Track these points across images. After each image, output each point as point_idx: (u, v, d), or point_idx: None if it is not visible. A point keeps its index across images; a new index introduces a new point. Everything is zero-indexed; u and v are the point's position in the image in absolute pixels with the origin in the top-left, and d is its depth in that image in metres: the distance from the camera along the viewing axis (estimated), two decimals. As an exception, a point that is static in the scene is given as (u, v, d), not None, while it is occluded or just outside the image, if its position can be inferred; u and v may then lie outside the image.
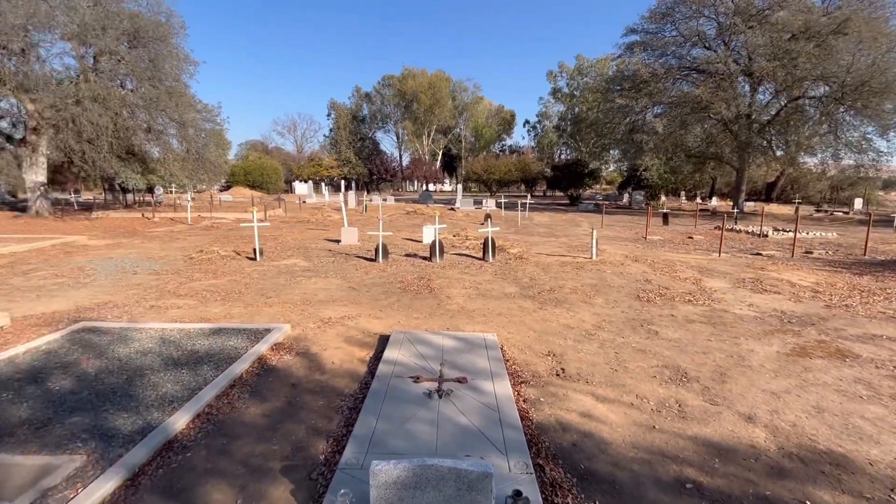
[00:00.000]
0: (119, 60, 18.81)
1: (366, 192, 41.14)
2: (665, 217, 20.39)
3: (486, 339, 5.03)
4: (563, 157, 61.90)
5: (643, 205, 34.21)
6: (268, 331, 5.22)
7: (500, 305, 6.80)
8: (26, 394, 3.74)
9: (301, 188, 47.91)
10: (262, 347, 4.74)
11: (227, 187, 46.89)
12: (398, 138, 71.87)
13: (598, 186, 54.42)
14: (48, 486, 2.63)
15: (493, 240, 10.57)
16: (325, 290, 7.67)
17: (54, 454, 2.93)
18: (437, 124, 66.54)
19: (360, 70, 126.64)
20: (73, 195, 30.32)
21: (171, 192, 31.96)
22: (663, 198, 37.71)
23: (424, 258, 10.57)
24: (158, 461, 2.95)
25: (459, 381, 3.90)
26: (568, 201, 39.77)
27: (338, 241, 13.32)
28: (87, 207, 24.76)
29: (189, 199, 21.42)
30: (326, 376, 4.30)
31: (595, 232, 10.97)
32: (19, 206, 22.50)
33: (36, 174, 19.25)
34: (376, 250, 10.25)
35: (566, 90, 59.27)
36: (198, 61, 21.85)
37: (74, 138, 17.79)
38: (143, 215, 21.12)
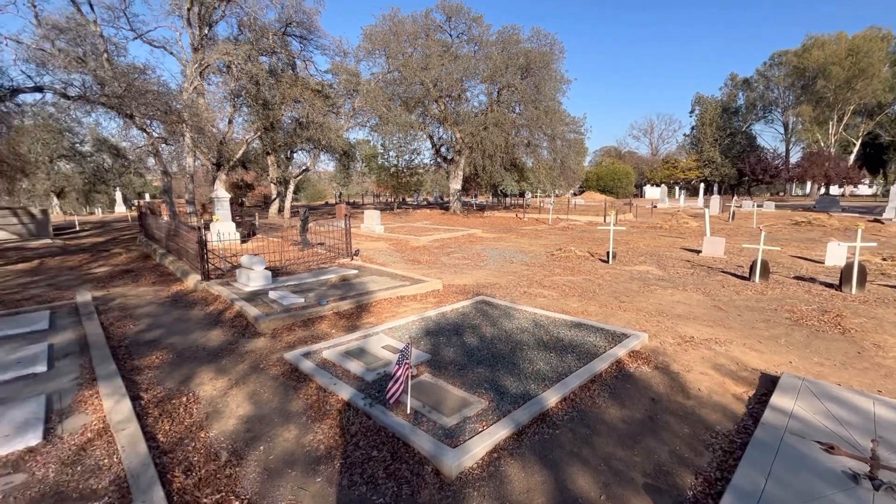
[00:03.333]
0: (513, 91, 23.39)
1: (733, 197, 34.73)
2: None
3: (970, 428, 3.20)
4: None
5: None
6: (625, 336, 5.20)
7: None
8: (452, 342, 5.20)
9: (652, 192, 45.78)
10: (620, 351, 4.76)
11: (580, 192, 50.50)
12: (786, 129, 56.69)
13: None
14: (466, 415, 3.53)
15: (978, 272, 6.67)
16: (684, 304, 6.95)
17: (469, 392, 3.92)
18: (857, 103, 48.10)
19: (737, 56, 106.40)
20: (473, 198, 40.52)
21: (535, 196, 37.42)
22: None
23: (829, 285, 7.88)
24: (535, 428, 3.44)
25: (915, 477, 2.63)
26: None
27: (698, 252, 11.85)
28: (480, 208, 32.59)
29: (551, 202, 24.36)
30: (691, 402, 3.86)
31: None
32: (444, 206, 32.05)
33: (456, 183, 26.72)
34: (752, 267, 8.45)
35: None
36: (570, 79, 24.39)
37: (480, 155, 23.56)
38: (516, 215, 25.64)
